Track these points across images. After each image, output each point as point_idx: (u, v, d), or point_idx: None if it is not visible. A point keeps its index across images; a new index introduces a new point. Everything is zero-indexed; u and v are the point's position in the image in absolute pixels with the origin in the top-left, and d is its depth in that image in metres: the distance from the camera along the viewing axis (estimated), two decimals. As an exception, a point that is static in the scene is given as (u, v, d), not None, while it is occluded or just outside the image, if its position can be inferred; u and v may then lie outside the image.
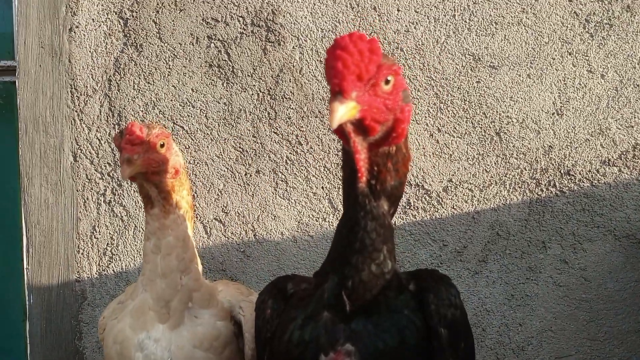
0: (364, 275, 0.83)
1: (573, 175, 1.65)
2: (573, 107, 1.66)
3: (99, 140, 1.62)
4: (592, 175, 1.65)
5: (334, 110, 0.74)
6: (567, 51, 1.67)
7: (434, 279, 0.90)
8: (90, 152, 1.62)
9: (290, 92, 1.64)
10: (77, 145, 1.62)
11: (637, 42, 1.66)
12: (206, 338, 1.13)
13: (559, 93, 1.66)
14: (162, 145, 1.11)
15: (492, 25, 1.66)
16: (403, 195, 0.92)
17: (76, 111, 1.62)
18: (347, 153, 0.85)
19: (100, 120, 1.62)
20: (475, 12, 1.65)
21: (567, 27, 1.67)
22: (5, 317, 1.79)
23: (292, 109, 1.64)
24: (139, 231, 1.61)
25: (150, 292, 1.12)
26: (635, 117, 1.66)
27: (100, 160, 1.62)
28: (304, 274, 1.05)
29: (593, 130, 1.66)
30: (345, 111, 0.74)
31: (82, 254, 1.61)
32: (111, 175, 1.62)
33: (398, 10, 1.65)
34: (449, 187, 1.65)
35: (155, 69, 1.63)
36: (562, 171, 1.65)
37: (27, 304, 1.63)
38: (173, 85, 1.63)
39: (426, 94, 1.65)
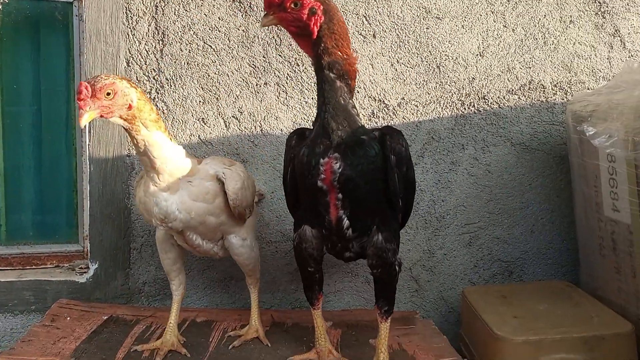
0: (332, 106, 1.46)
1: (487, 100, 2.35)
2: (491, 52, 2.34)
3: (146, 51, 2.15)
4: (499, 100, 2.35)
5: (263, 18, 1.49)
6: (491, 10, 2.33)
7: (392, 130, 1.55)
8: (139, 60, 2.15)
9: (292, 25, 2.21)
10: (130, 54, 2.15)
11: (539, 8, 2.35)
12: (200, 193, 1.62)
13: (482, 40, 2.33)
14: (107, 94, 1.43)
15: (440, -13, 2.29)
16: (357, 93, 1.52)
17: (130, 28, 2.14)
18: None
19: (148, 36, 2.15)
20: (429, -24, 2.28)
21: (492, -7, 2.32)
22: (60, 187, 2.34)
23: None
24: (177, 122, 2.18)
25: (148, 177, 1.61)
26: (532, 61, 2.36)
27: (147, 67, 2.16)
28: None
29: (503, 69, 2.35)
30: (266, 20, 1.49)
31: (133, 136, 2.17)
32: (155, 78, 2.17)
33: (374, -30, 2.25)
34: (402, 103, 2.31)
35: (192, 0, 2.16)
36: (479, 96, 2.34)
37: (86, 174, 2.18)
38: (204, 14, 2.17)
39: (390, 35, 2.28)
